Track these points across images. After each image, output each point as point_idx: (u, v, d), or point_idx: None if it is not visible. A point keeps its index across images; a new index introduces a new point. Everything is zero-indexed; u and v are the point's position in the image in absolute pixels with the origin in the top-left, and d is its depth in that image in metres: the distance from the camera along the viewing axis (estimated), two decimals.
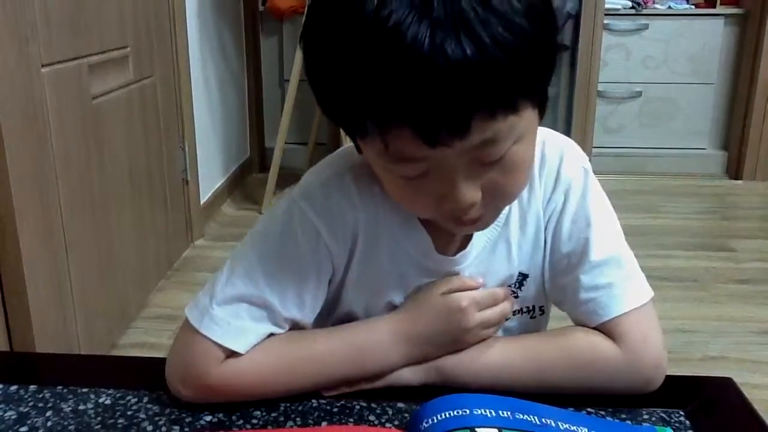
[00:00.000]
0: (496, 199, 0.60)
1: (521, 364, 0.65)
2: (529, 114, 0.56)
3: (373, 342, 0.65)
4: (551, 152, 0.69)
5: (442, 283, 0.67)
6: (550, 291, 0.71)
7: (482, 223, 0.62)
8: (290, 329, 0.66)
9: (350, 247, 0.67)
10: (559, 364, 0.65)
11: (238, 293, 0.63)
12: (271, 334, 0.64)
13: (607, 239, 0.68)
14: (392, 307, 0.69)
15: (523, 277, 0.71)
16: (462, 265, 0.68)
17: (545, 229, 0.69)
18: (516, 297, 0.71)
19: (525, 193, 0.68)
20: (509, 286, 0.71)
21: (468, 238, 0.68)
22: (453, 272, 0.68)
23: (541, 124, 0.61)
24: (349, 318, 0.70)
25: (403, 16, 0.47)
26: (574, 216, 0.68)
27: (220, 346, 0.62)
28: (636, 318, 0.65)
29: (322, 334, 0.66)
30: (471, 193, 0.56)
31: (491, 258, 0.69)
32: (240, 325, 0.62)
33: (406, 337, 0.65)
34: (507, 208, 0.67)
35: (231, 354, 0.62)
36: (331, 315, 0.72)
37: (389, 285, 0.69)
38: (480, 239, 0.69)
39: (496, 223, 0.68)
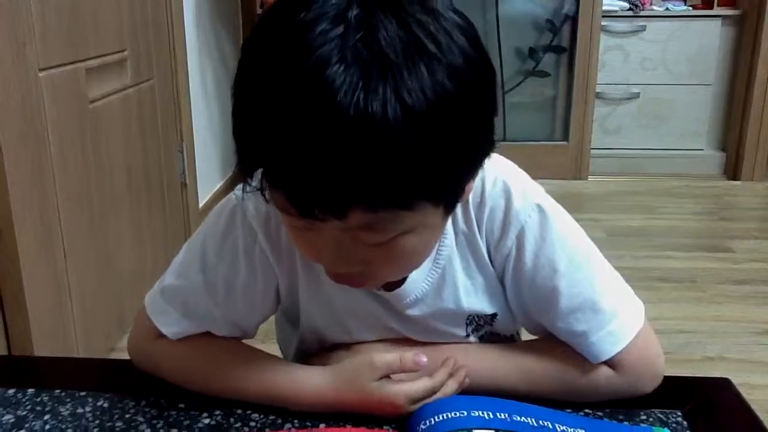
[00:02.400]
0: (373, 279, 0.57)
1: (514, 381, 0.64)
2: (427, 210, 0.50)
3: (291, 396, 0.62)
4: (493, 191, 0.62)
5: (379, 362, 0.61)
6: (528, 326, 0.69)
7: (368, 286, 0.60)
8: (231, 329, 0.67)
9: (289, 257, 0.65)
10: (555, 388, 0.64)
11: (174, 284, 0.67)
12: (209, 333, 0.67)
13: (578, 284, 0.62)
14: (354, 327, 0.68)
15: (492, 316, 0.68)
16: (405, 300, 0.65)
17: (503, 274, 0.65)
18: (491, 326, 0.70)
19: (463, 238, 0.64)
20: (477, 322, 0.68)
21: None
22: (399, 306, 0.65)
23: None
24: (314, 333, 0.70)
25: (318, 76, 0.43)
26: (534, 262, 0.62)
27: (154, 325, 0.66)
28: (628, 351, 0.62)
29: (244, 368, 0.64)
30: (345, 265, 0.54)
31: (437, 300, 0.66)
32: (169, 313, 0.66)
33: (329, 406, 0.61)
34: (447, 249, 0.64)
35: (162, 335, 0.66)
36: (297, 329, 0.72)
37: (340, 303, 0.67)
38: (417, 278, 0.64)
39: (435, 264, 0.64)
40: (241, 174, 0.52)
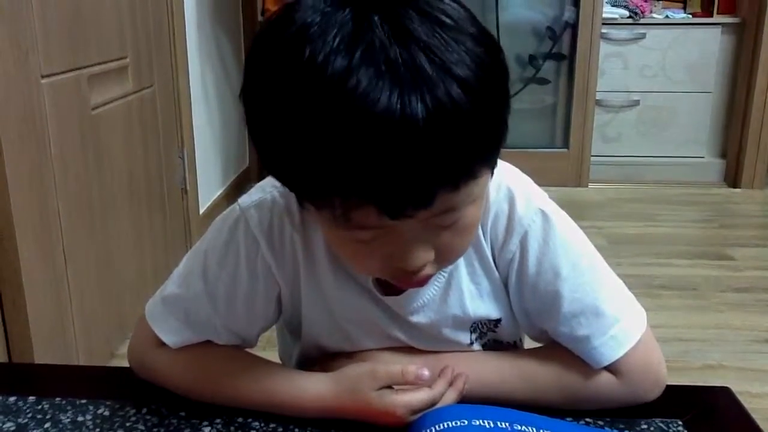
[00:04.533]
0: (446, 258, 0.58)
1: (517, 388, 0.64)
2: (486, 177, 0.53)
3: (292, 402, 0.63)
4: (497, 196, 0.63)
5: (381, 371, 0.61)
6: (531, 332, 0.69)
7: (428, 280, 0.60)
8: (232, 338, 0.67)
9: (293, 266, 0.65)
10: (557, 394, 0.64)
11: (175, 293, 0.67)
12: (210, 341, 0.67)
13: (581, 288, 0.63)
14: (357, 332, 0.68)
15: (496, 321, 0.68)
16: (411, 306, 0.65)
17: (507, 279, 0.65)
18: (494, 332, 0.70)
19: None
20: (480, 329, 0.69)
21: None
22: (404, 312, 0.66)
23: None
24: (315, 342, 0.70)
25: (370, 83, 0.44)
26: (537, 267, 0.63)
27: (154, 333, 0.67)
28: (630, 356, 0.63)
29: (245, 375, 0.65)
30: (424, 255, 0.54)
31: (443, 306, 0.66)
32: (170, 322, 0.67)
33: (330, 412, 0.62)
34: None
35: (162, 343, 0.67)
36: (298, 340, 0.72)
37: (342, 311, 0.67)
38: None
39: (442, 271, 0.64)
40: (303, 197, 0.53)
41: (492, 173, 0.55)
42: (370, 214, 0.49)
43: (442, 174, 0.48)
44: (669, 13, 3.38)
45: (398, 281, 0.59)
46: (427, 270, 0.56)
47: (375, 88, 0.44)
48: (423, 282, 0.59)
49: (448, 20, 0.47)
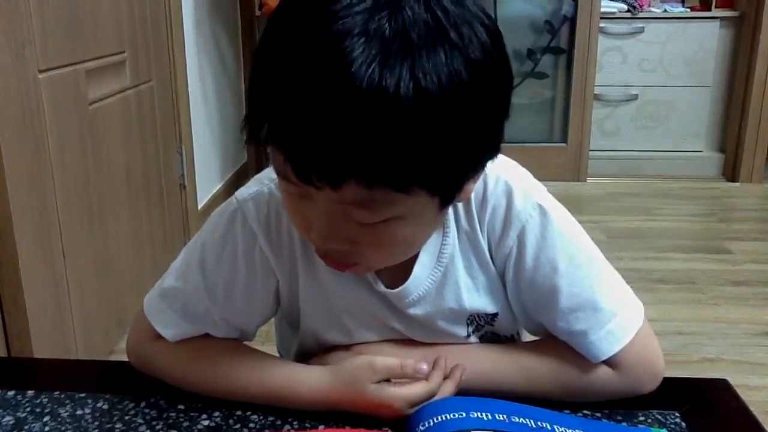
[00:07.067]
0: (362, 264, 0.57)
1: (515, 381, 0.65)
2: (422, 199, 0.50)
3: (290, 395, 0.63)
4: (495, 190, 0.63)
5: (380, 364, 0.61)
6: (529, 326, 0.69)
7: (354, 270, 0.60)
8: (230, 331, 0.67)
9: (290, 258, 0.66)
10: (555, 387, 0.64)
11: (173, 286, 0.67)
12: (208, 334, 0.67)
13: (578, 283, 0.62)
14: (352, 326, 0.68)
15: (493, 315, 0.68)
16: (408, 299, 0.65)
17: (504, 273, 0.65)
18: (491, 325, 0.70)
19: (465, 237, 0.64)
20: (477, 322, 0.69)
21: (407, 272, 0.64)
22: (401, 305, 0.65)
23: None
24: (313, 335, 0.70)
25: (349, 37, 0.44)
26: (535, 262, 0.62)
27: (153, 327, 0.67)
28: (627, 350, 0.63)
29: (244, 368, 0.65)
30: (331, 242, 0.54)
31: (439, 299, 0.66)
32: (168, 315, 0.67)
33: (327, 405, 0.62)
34: (450, 247, 0.64)
35: (161, 337, 0.67)
36: (297, 333, 0.72)
37: (341, 302, 0.67)
38: (421, 276, 0.64)
39: (438, 262, 0.64)
40: (246, 130, 0.52)
41: (442, 205, 0.54)
42: (280, 162, 0.49)
43: (356, 163, 0.46)
44: (667, 6, 3.38)
45: (319, 255, 0.59)
46: (346, 258, 0.56)
47: (343, 53, 0.44)
48: (341, 268, 0.59)
49: (453, 34, 0.46)
